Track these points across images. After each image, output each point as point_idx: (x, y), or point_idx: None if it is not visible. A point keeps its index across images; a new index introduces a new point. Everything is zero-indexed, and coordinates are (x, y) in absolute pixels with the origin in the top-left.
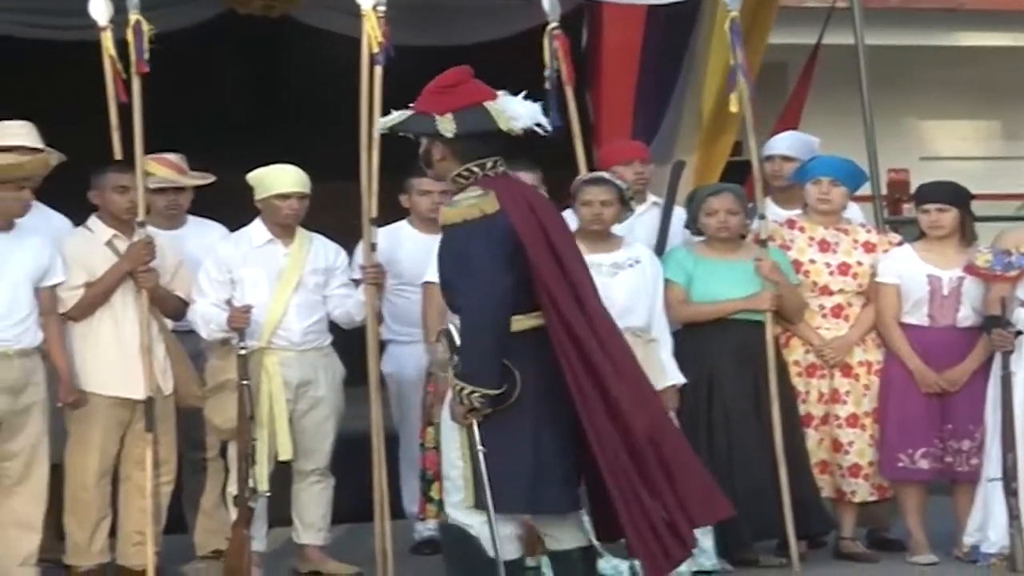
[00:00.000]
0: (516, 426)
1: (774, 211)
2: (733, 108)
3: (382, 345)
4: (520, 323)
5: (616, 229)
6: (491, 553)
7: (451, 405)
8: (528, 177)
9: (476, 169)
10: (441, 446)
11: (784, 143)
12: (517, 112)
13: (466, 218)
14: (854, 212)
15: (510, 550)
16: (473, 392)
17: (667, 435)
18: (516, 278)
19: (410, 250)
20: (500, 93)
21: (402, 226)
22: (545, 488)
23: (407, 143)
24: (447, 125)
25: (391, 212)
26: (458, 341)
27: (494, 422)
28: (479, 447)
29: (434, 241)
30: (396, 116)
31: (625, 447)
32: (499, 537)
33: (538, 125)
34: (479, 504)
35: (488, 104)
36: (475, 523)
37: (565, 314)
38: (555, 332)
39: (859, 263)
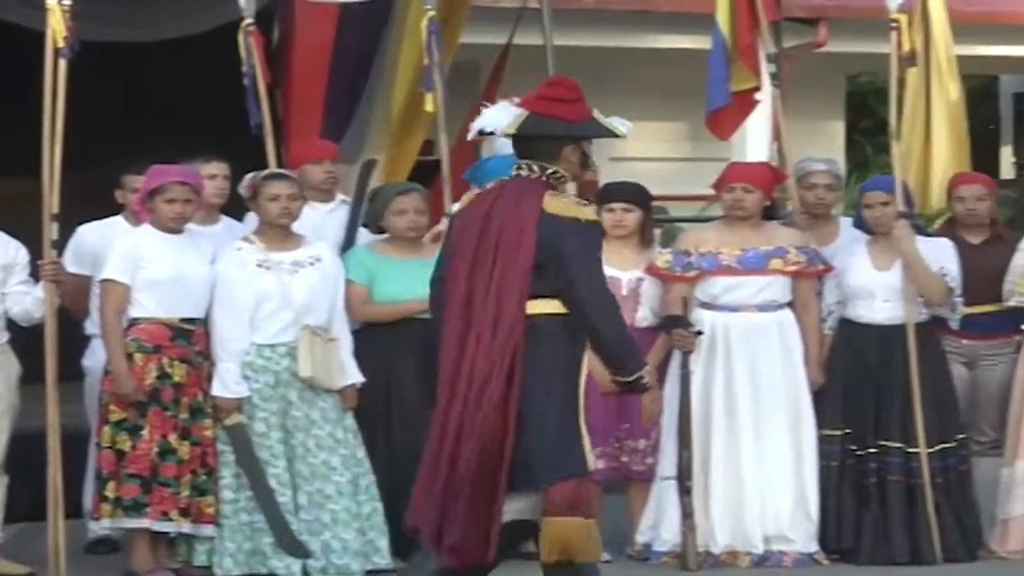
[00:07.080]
0: None
1: None
2: (429, 107)
3: (87, 339)
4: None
5: (305, 228)
6: None
7: None
8: (214, 167)
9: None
10: None
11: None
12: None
13: None
14: None
15: None
16: None
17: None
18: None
19: None
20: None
21: (118, 221)
22: None
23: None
24: None
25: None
26: None
27: None
28: None
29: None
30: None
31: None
32: None
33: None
34: None
35: None
36: None
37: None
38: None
39: None
